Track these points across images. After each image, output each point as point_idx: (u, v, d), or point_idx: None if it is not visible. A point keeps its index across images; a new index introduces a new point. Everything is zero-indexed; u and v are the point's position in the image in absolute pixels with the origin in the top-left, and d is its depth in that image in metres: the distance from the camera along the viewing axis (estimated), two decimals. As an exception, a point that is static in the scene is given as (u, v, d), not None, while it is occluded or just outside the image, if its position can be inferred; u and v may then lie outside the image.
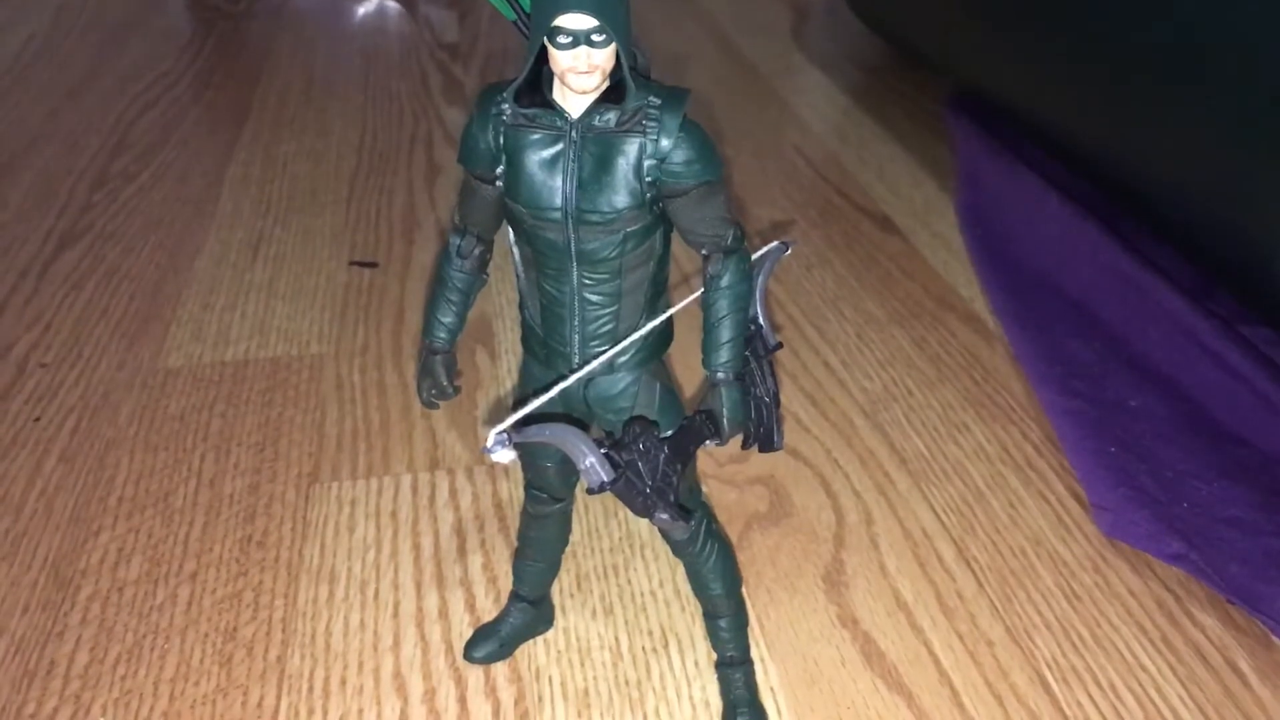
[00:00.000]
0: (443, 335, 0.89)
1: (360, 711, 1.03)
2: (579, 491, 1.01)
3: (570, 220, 0.77)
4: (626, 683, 1.05)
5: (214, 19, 3.15)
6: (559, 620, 1.12)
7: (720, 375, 0.83)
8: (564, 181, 0.77)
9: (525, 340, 0.88)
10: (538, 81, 0.76)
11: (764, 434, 0.87)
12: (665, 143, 0.76)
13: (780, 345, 0.89)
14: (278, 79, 2.69)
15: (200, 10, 3.24)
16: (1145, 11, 1.50)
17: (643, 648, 1.09)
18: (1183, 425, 1.35)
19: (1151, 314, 1.48)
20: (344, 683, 1.06)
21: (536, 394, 0.80)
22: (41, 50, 2.89)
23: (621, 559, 1.20)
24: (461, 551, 1.21)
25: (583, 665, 1.07)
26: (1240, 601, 1.10)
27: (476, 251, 0.87)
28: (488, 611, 1.13)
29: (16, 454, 1.37)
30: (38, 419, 1.43)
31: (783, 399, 0.89)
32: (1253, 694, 1.03)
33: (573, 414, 0.86)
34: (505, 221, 0.84)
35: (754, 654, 1.04)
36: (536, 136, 0.77)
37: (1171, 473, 1.27)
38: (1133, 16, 1.52)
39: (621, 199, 0.77)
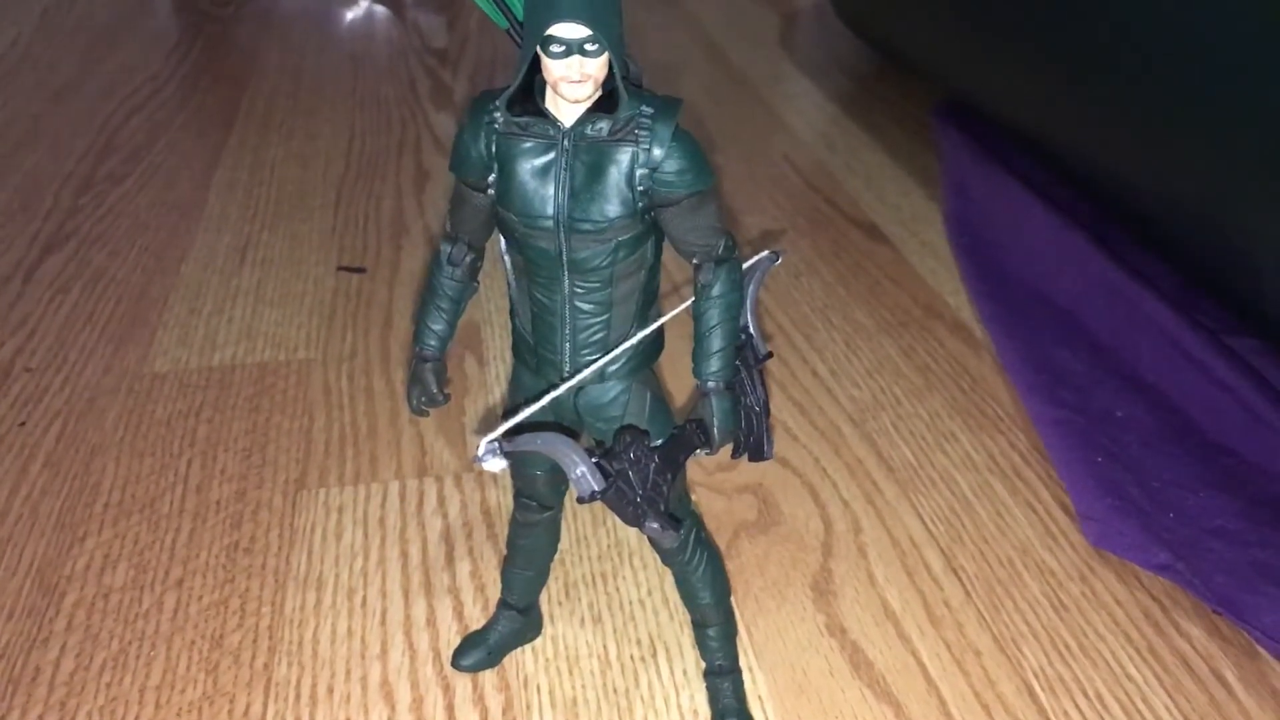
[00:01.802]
0: (433, 343, 0.89)
1: (348, 719, 1.03)
2: (568, 499, 1.01)
3: (562, 229, 0.77)
4: (615, 691, 1.05)
5: (201, 22, 3.14)
6: (547, 628, 1.12)
7: (711, 384, 0.83)
8: (556, 190, 0.77)
9: (516, 348, 0.88)
10: (530, 90, 0.76)
11: (754, 443, 0.88)
12: (657, 152, 0.76)
13: (770, 355, 0.89)
14: (265, 83, 2.68)
15: (188, 13, 3.23)
16: (1133, 21, 1.51)
17: (631, 656, 1.09)
18: (1169, 436, 1.35)
19: (1139, 324, 1.49)
20: (331, 691, 1.06)
21: (527, 403, 0.80)
22: (27, 53, 2.88)
23: (610, 567, 1.20)
24: (450, 559, 1.21)
25: (571, 674, 1.07)
26: (1226, 612, 1.10)
27: (468, 259, 0.87)
28: (476, 619, 1.13)
29: (1, 459, 1.36)
30: (23, 424, 1.42)
31: (772, 408, 0.89)
32: (1238, 704, 1.04)
33: (563, 422, 0.86)
34: (496, 229, 0.84)
35: (742, 663, 1.04)
36: (529, 145, 0.77)
37: (1158, 483, 1.27)
38: (1120, 26, 1.53)
39: (613, 208, 0.77)
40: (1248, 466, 1.29)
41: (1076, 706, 1.03)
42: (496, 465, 0.76)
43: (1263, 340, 1.45)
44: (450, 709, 1.03)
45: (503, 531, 1.23)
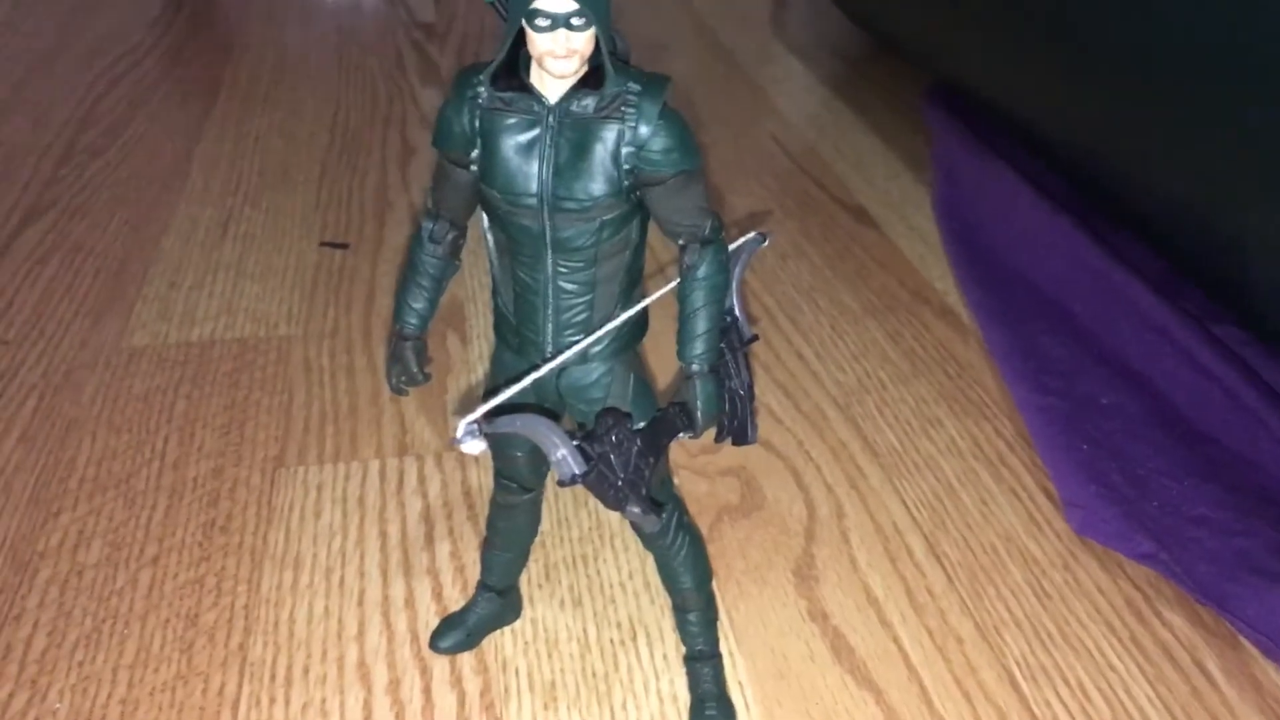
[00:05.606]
0: (413, 321, 0.87)
1: (323, 701, 1.02)
2: (549, 481, 1.00)
3: (546, 207, 0.76)
4: (594, 675, 1.04)
5: (186, -8, 3.11)
6: (527, 611, 1.11)
7: (695, 367, 0.81)
8: (540, 167, 0.75)
9: (498, 328, 0.87)
10: (515, 64, 0.75)
11: (738, 427, 0.86)
12: (644, 130, 0.74)
13: (756, 338, 0.88)
14: (249, 54, 2.65)
15: (172, -17, 3.19)
16: (1123, 9, 1.49)
17: (611, 640, 1.08)
18: (1154, 423, 1.35)
19: (1124, 311, 1.48)
20: (307, 671, 1.05)
21: (508, 383, 0.78)
22: (8, 20, 2.84)
23: (591, 549, 1.19)
24: (429, 539, 1.20)
25: (550, 657, 1.06)
26: (1209, 601, 1.10)
27: (449, 237, 0.85)
28: (455, 601, 1.12)
29: (-25, 432, 1.34)
30: (-2, 397, 1.41)
31: (756, 390, 0.88)
32: (1220, 694, 1.03)
33: (545, 404, 0.85)
34: (479, 207, 0.82)
35: (723, 647, 1.04)
36: (513, 121, 0.75)
37: (1142, 471, 1.27)
38: (1109, 11, 1.52)
39: (598, 186, 0.75)
40: (1231, 455, 1.29)
41: (1058, 695, 1.03)
42: (476, 447, 0.74)
43: (1248, 329, 1.45)
44: (427, 691, 1.02)
45: (483, 512, 1.22)
